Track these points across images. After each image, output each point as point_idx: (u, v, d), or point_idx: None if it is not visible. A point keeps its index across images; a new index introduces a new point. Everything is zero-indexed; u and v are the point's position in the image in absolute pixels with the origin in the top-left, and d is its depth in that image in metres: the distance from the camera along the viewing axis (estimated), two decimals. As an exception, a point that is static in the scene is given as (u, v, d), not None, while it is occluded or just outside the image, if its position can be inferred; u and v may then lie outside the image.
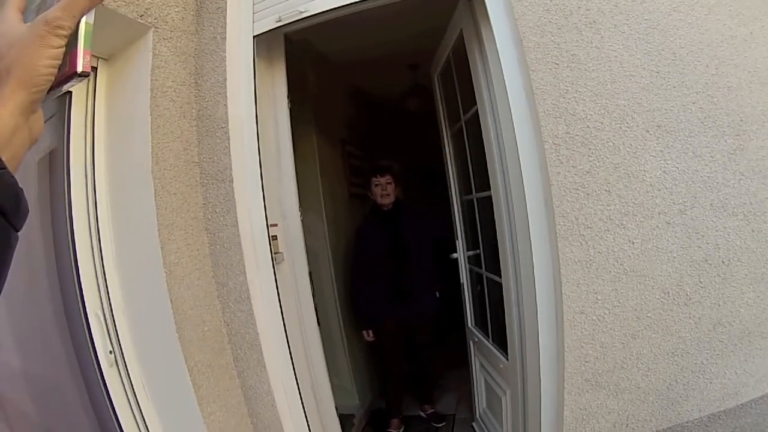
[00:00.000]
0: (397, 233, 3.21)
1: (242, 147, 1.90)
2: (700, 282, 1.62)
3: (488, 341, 2.48)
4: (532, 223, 1.67)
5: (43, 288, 1.84)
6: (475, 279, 2.71)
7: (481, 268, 2.51)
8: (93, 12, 0.51)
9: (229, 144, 1.88)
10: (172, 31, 1.88)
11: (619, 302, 1.61)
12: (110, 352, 1.77)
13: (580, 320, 1.61)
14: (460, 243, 2.80)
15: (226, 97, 1.90)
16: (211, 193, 1.92)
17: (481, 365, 2.65)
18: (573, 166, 1.57)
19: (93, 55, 1.80)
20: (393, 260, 3.18)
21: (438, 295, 3.34)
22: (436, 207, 3.45)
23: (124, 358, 1.79)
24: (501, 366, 2.26)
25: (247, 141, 1.90)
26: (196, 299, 1.86)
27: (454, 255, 2.91)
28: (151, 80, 1.78)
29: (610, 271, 1.59)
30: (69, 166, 1.76)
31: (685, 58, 1.59)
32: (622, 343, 1.64)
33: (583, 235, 1.58)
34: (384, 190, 3.20)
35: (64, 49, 0.49)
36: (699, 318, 1.64)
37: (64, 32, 0.48)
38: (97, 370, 1.75)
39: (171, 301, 1.76)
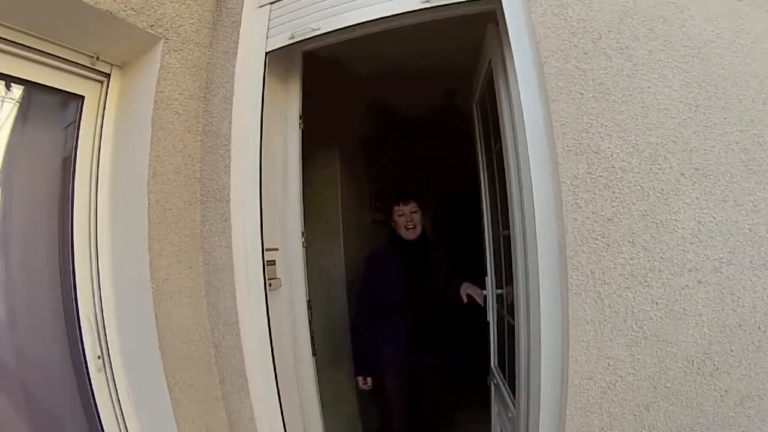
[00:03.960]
0: (418, 270, 2.54)
1: (243, 166, 1.67)
2: (731, 350, 1.25)
3: (504, 386, 2.14)
4: (542, 274, 1.35)
5: (45, 282, 1.65)
6: (500, 320, 2.37)
7: (503, 308, 2.17)
8: None
9: (229, 162, 1.66)
10: (183, 43, 1.67)
11: (635, 369, 1.26)
12: (99, 357, 1.58)
13: (588, 386, 1.27)
14: (489, 280, 2.44)
15: (231, 113, 1.68)
16: (209, 212, 1.69)
17: (498, 411, 2.30)
18: (593, 212, 1.25)
19: (107, 62, 1.63)
20: (410, 301, 2.48)
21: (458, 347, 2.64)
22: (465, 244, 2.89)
23: (111, 365, 1.59)
24: (510, 415, 1.92)
25: (248, 160, 1.67)
26: (184, 317, 1.63)
27: (484, 292, 2.53)
28: (156, 92, 1.58)
29: (627, 335, 1.25)
30: (75, 172, 1.59)
31: (728, 90, 1.25)
32: (634, 415, 1.29)
33: (598, 291, 1.24)
34: (409, 221, 2.56)
35: None
36: (725, 390, 1.27)
37: None
38: (85, 373, 1.57)
39: (156, 316, 1.55)
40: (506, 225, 1.91)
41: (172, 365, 1.57)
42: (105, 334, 1.59)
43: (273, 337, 1.68)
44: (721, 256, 1.23)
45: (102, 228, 1.60)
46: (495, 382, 2.32)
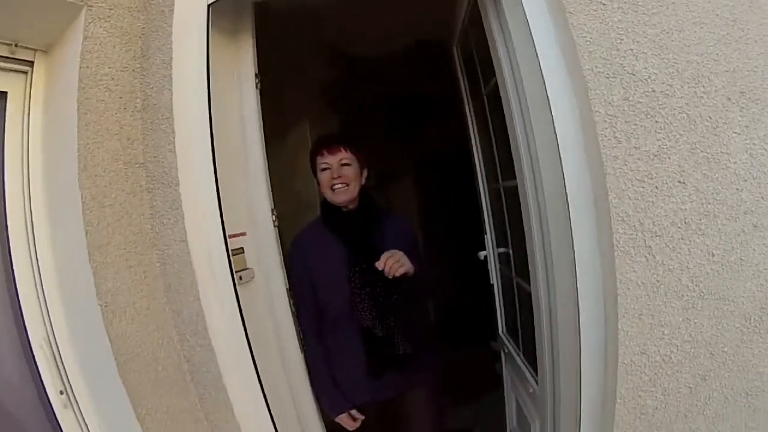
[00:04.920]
0: (366, 253, 1.59)
1: (190, 141, 1.34)
2: (788, 301, 1.05)
3: (519, 356, 1.90)
4: (576, 229, 1.09)
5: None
6: (507, 281, 2.10)
7: (510, 269, 1.92)
8: None
9: (173, 138, 1.34)
10: (111, 9, 1.34)
11: (691, 336, 1.04)
12: (61, 392, 1.29)
13: (640, 363, 1.04)
14: (488, 238, 2.15)
15: (171, 80, 1.35)
16: (158, 201, 1.38)
17: (512, 382, 2.06)
18: (636, 147, 0.99)
19: (28, 48, 1.31)
20: (366, 299, 1.58)
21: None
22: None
23: (77, 401, 1.31)
24: (530, 390, 1.69)
25: (196, 133, 1.34)
26: (145, 333, 1.33)
27: (482, 253, 2.14)
28: (81, 68, 1.26)
29: (683, 296, 1.01)
30: (4, 180, 1.29)
31: (764, 4, 1.00)
32: (690, 388, 1.07)
33: (649, 246, 1.00)
34: (336, 177, 1.61)
35: None
36: (781, 347, 1.06)
37: None
38: (51, 413, 1.29)
39: (110, 339, 1.25)
40: (507, 175, 1.66)
41: (138, 393, 1.29)
42: (63, 365, 1.29)
43: (253, 340, 1.39)
44: (774, 194, 1.01)
45: (41, 239, 1.30)
46: (506, 350, 2.10)
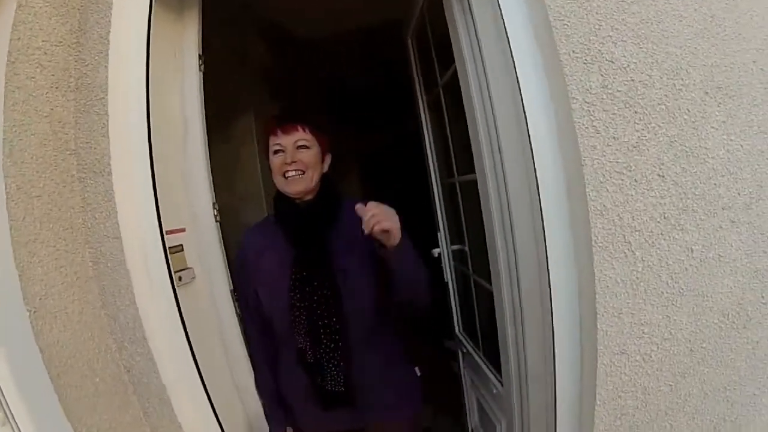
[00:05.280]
0: (314, 261, 1.28)
1: (125, 125, 1.19)
2: (762, 297, 1.04)
3: (478, 355, 1.85)
4: (549, 226, 1.04)
5: None
6: (461, 279, 2.04)
7: (467, 267, 1.86)
8: None
9: (107, 121, 1.19)
10: None
11: (671, 333, 1.00)
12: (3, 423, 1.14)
13: (620, 363, 0.99)
14: (442, 235, 2.09)
15: (107, 56, 1.20)
16: (89, 192, 1.22)
17: (472, 381, 2.00)
18: (614, 137, 0.94)
19: None
20: (303, 315, 1.27)
21: (419, 372, 1.48)
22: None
23: (14, 418, 1.13)
24: (494, 391, 1.64)
25: (132, 116, 1.20)
26: (79, 342, 1.17)
27: (437, 250, 2.07)
28: (11, 40, 1.10)
29: (662, 293, 0.98)
30: None
31: (741, 3, 0.99)
32: (670, 386, 1.04)
33: (629, 242, 0.95)
34: (289, 163, 1.28)
35: None
36: (757, 342, 1.06)
37: None
38: None
39: (41, 349, 1.09)
40: (464, 169, 1.59)
41: (77, 410, 1.15)
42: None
43: (196, 346, 1.26)
44: (751, 190, 0.99)
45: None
46: (464, 349, 2.04)
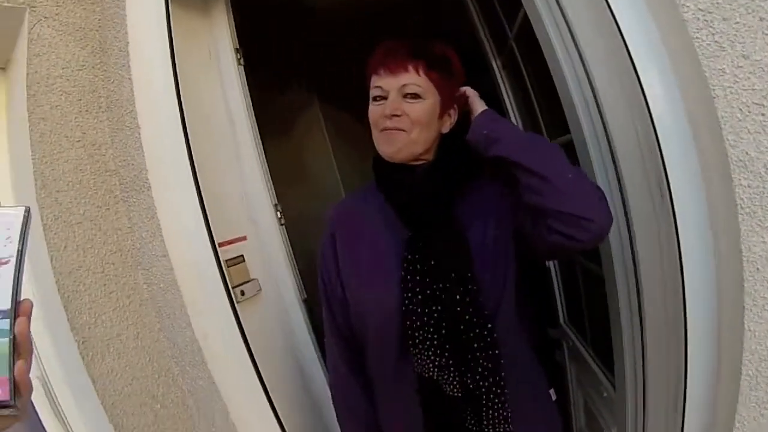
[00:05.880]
0: (433, 248, 0.89)
1: (157, 135, 1.11)
2: None
3: (587, 351, 1.54)
4: (675, 187, 0.75)
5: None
6: (566, 263, 1.70)
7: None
8: None
9: (139, 134, 1.11)
10: (58, 6, 1.15)
11: None
12: None
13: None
14: None
15: (129, 69, 1.12)
16: (134, 211, 1.17)
17: (578, 380, 1.70)
18: (744, 56, 0.63)
19: None
20: (429, 327, 0.87)
21: (554, 395, 1.05)
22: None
23: None
24: (604, 395, 1.34)
25: (164, 124, 1.11)
26: (136, 368, 1.12)
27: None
28: (29, 74, 1.07)
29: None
30: None
31: None
32: None
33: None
34: (389, 115, 0.87)
35: None
36: None
37: None
38: None
39: (92, 379, 1.05)
40: (558, 131, 1.28)
41: (134, 437, 1.09)
42: (58, 402, 1.11)
43: (265, 365, 1.13)
44: None
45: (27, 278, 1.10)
46: (569, 342, 1.73)
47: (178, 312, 1.13)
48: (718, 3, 0.65)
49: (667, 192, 0.77)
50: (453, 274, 0.86)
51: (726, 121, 0.64)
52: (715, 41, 0.65)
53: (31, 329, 0.43)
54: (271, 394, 1.14)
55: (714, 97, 0.65)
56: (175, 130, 1.09)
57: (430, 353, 0.86)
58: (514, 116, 1.71)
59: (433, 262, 0.87)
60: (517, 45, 1.46)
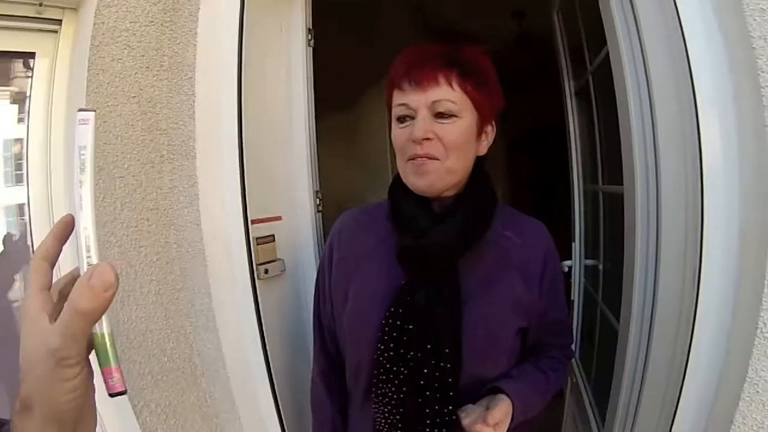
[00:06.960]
0: (435, 301, 0.81)
1: (212, 108, 1.11)
2: None
3: (585, 388, 1.53)
4: (707, 266, 0.77)
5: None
6: (589, 302, 1.68)
7: (596, 290, 1.53)
8: (104, 321, 0.38)
9: (194, 102, 1.12)
10: None
11: None
12: None
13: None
14: (576, 247, 1.71)
15: (196, 35, 1.13)
16: (176, 174, 1.19)
17: (573, 415, 1.69)
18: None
19: (56, 6, 1.14)
20: (393, 383, 0.81)
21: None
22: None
23: None
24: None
25: (219, 96, 1.10)
26: (151, 320, 1.16)
27: (568, 263, 1.68)
28: (96, 23, 1.07)
29: None
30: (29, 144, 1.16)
31: None
32: None
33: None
34: (421, 140, 0.76)
35: (80, 376, 0.36)
36: None
37: (73, 361, 0.35)
38: None
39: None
40: (612, 178, 1.26)
41: (138, 385, 1.13)
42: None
43: (273, 344, 1.16)
44: None
45: (58, 212, 1.16)
46: (573, 379, 1.71)
47: (201, 278, 1.16)
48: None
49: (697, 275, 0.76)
50: (429, 346, 0.79)
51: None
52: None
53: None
54: (273, 376, 1.16)
55: None
56: (230, 107, 1.10)
57: (386, 409, 0.82)
58: (575, 147, 1.68)
59: (411, 327, 0.80)
60: (593, 79, 1.41)
